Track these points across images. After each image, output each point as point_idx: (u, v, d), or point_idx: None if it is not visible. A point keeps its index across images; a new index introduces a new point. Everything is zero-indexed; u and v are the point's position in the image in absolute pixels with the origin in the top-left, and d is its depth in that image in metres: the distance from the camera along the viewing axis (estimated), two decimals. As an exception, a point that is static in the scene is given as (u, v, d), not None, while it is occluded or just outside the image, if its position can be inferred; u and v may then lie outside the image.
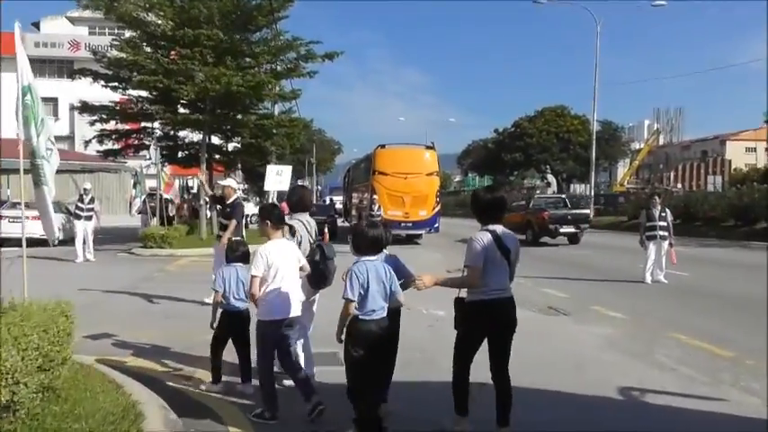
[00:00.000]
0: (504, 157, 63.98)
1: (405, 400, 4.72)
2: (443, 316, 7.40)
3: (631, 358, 6.45)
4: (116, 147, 22.42)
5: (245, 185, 42.43)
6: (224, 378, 5.23)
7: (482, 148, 75.01)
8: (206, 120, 19.46)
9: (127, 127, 22.03)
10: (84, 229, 15.53)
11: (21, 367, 3.41)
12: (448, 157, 74.03)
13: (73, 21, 46.29)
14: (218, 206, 9.86)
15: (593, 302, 9.58)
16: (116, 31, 22.76)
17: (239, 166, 28.61)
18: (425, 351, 6.29)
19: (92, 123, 20.82)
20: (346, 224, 28.11)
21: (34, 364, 3.57)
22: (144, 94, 20.15)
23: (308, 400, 4.43)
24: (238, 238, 8.45)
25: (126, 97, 21.20)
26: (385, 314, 4.00)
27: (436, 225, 22.18)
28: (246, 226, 13.50)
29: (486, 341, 4.13)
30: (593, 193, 39.79)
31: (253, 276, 4.44)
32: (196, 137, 21.93)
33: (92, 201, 16.04)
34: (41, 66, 44.74)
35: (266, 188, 12.62)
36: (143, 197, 21.81)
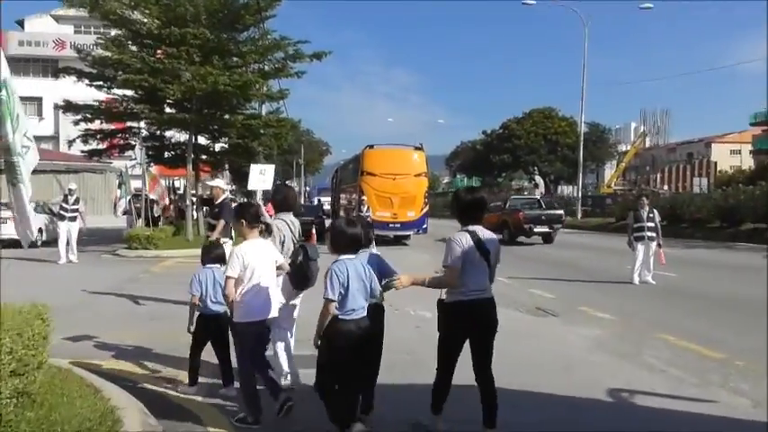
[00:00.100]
0: (493, 159, 64.30)
1: (390, 402, 4.64)
2: (431, 317, 7.30)
3: (620, 359, 6.41)
4: (101, 147, 22.18)
5: (233, 186, 42.24)
6: (208, 380, 5.13)
7: (470, 149, 75.37)
8: (192, 119, 19.28)
9: (112, 127, 21.80)
10: (67, 230, 15.30)
11: (-8, 372, 3.29)
12: (436, 159, 74.19)
13: (58, 19, 45.88)
14: (206, 207, 9.76)
15: (581, 303, 9.55)
16: (102, 29, 22.48)
17: (226, 166, 28.42)
18: (413, 353, 6.21)
19: (76, 123, 20.54)
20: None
21: (7, 369, 3.46)
22: (129, 93, 19.90)
23: (276, 398, 4.36)
24: (227, 239, 8.37)
25: (111, 96, 20.97)
26: (365, 314, 3.95)
27: (424, 226, 22.15)
28: (234, 226, 13.33)
29: (468, 342, 4.11)
30: (580, 195, 40.01)
31: (228, 277, 4.33)
32: (182, 137, 21.71)
33: (76, 201, 15.82)
34: (26, 65, 44.34)
35: (249, 187, 12.46)
36: (128, 198, 21.57)
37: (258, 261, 4.38)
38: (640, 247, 11.76)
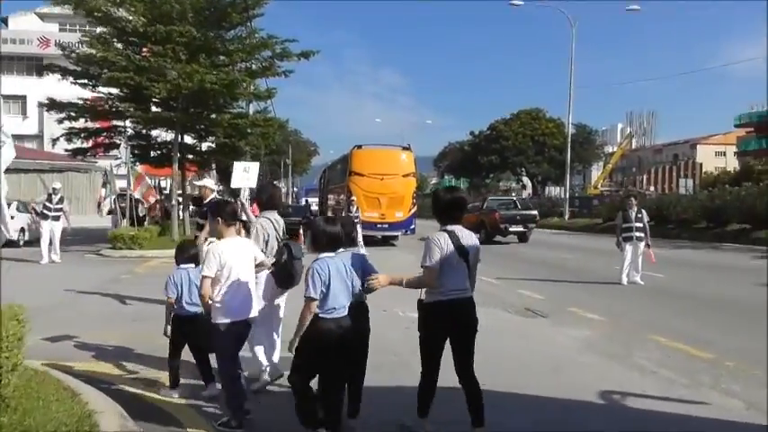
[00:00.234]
0: (481, 160, 64.41)
1: (377, 404, 4.55)
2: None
3: (609, 360, 6.36)
4: (85, 145, 21.88)
5: (220, 186, 41.92)
6: (190, 381, 5.01)
7: (458, 150, 75.49)
8: (178, 118, 19.06)
9: (97, 125, 21.49)
10: (50, 229, 15.04)
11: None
12: (425, 159, 74.15)
13: (42, 17, 45.25)
14: (195, 206, 9.61)
15: (569, 304, 9.50)
16: (87, 27, 22.14)
17: (213, 166, 28.17)
18: (400, 354, 6.11)
19: (60, 121, 20.23)
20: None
21: (-22, 372, 3.32)
22: (115, 91, 19.66)
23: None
24: (214, 239, 8.23)
25: (96, 95, 20.69)
26: (346, 313, 3.87)
27: (412, 227, 22.09)
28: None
29: (449, 342, 4.07)
30: (567, 196, 40.16)
31: (204, 277, 4.20)
32: (169, 136, 21.45)
33: (61, 201, 15.56)
34: (9, 63, 43.71)
35: (233, 185, 12.25)
36: (113, 197, 21.29)
37: (236, 260, 4.27)
38: (629, 248, 11.75)
